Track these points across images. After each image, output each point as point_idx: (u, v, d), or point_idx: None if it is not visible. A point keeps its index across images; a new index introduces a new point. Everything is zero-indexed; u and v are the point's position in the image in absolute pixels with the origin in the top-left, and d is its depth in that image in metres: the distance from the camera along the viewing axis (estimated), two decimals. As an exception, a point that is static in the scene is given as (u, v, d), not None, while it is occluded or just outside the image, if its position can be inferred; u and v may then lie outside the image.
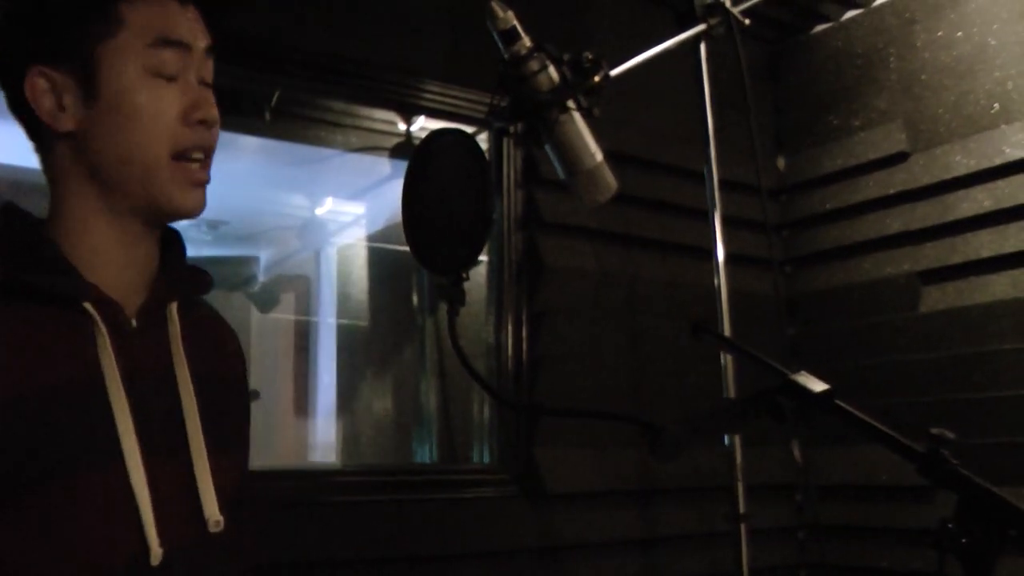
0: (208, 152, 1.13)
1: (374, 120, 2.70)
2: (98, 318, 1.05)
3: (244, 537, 1.26)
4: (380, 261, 3.18)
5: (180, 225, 1.22)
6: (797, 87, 3.18)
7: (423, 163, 1.48)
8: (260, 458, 3.05)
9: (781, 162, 3.18)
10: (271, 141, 2.82)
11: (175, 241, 1.22)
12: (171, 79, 1.09)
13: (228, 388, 1.23)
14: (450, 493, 2.40)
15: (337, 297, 3.42)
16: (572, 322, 2.58)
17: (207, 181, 1.14)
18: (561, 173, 1.68)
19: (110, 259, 1.10)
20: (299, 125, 2.63)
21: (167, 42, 1.08)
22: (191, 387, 1.11)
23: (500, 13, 1.59)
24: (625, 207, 2.67)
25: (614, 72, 1.76)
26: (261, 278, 3.84)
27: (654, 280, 2.77)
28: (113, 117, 1.07)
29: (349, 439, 3.22)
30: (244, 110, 2.41)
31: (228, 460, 1.18)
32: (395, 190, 2.91)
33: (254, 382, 3.29)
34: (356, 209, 3.40)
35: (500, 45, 1.61)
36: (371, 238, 3.26)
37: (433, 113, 2.54)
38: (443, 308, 2.79)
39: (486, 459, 2.54)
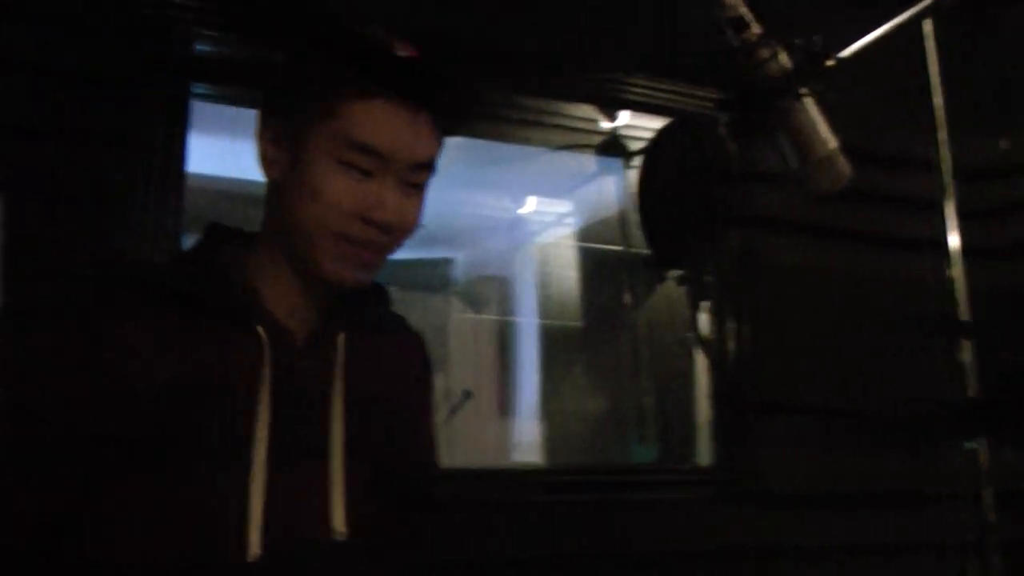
0: (381, 249, 1.18)
1: (574, 118, 2.68)
2: (266, 341, 1.15)
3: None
4: (586, 259, 3.15)
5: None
6: (1018, 63, 2.96)
7: (657, 158, 1.44)
8: (462, 458, 3.09)
9: (1004, 143, 2.98)
10: (469, 141, 2.83)
11: None
12: (366, 174, 1.14)
13: (389, 410, 1.29)
14: (665, 494, 2.36)
15: (539, 296, 3.41)
16: (791, 319, 2.50)
17: (373, 266, 1.20)
18: (793, 163, 1.61)
19: (288, 291, 1.21)
20: (501, 124, 2.64)
21: (363, 148, 1.12)
22: (341, 410, 1.19)
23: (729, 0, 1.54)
24: (841, 200, 2.56)
25: (843, 53, 1.67)
26: (458, 279, 3.88)
27: (873, 275, 2.65)
28: (300, 187, 1.14)
29: (554, 439, 3.21)
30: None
31: (378, 474, 1.25)
32: (601, 187, 2.92)
33: (456, 382, 3.33)
34: (560, 208, 3.38)
35: (728, 33, 1.55)
36: (576, 236, 3.24)
37: (639, 107, 2.49)
38: (649, 306, 2.77)
39: (706, 459, 2.49)
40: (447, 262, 3.91)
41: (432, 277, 3.76)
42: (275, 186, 1.20)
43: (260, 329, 1.15)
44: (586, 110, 2.67)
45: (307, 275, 1.19)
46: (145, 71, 1.92)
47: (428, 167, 1.19)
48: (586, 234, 3.17)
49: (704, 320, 2.41)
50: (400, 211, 1.16)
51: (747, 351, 2.45)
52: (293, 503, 1.14)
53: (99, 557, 1.10)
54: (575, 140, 2.74)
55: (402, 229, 1.18)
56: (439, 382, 3.41)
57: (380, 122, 1.13)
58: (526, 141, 2.73)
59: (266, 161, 1.19)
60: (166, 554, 1.09)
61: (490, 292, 3.76)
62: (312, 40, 1.21)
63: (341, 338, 1.22)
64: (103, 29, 1.88)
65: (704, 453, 2.52)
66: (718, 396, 2.48)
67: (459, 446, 3.23)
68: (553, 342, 3.31)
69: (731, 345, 2.44)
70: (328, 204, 1.13)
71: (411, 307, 3.42)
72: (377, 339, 1.30)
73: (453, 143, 2.87)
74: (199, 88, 2.06)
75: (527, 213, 3.54)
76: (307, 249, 1.16)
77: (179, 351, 1.12)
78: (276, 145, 1.17)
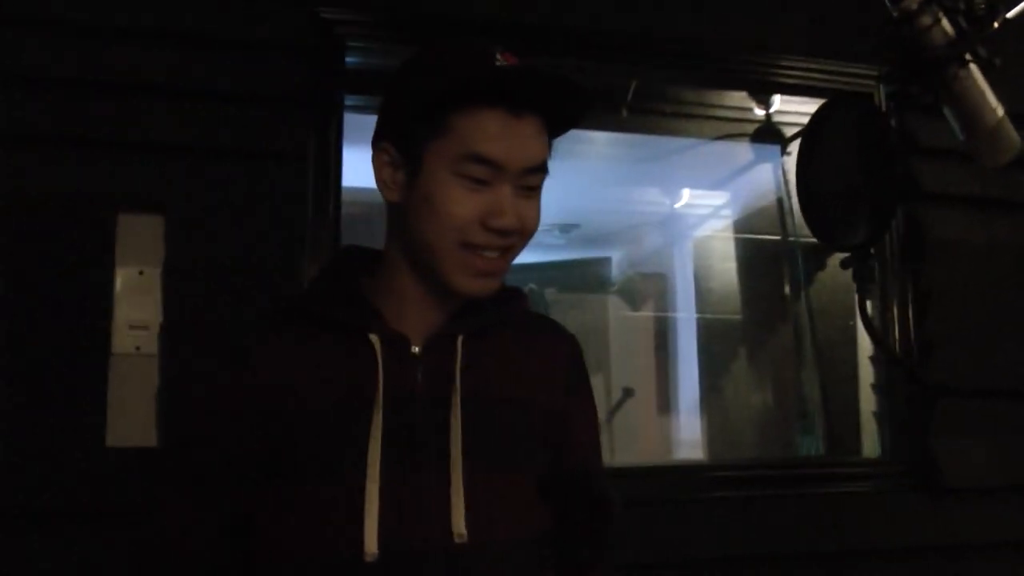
0: (505, 251, 1.22)
1: (726, 107, 2.64)
2: (378, 348, 1.21)
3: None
4: (743, 251, 3.09)
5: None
6: None
7: (816, 138, 1.41)
8: (624, 456, 3.07)
9: None
10: (621, 138, 2.82)
11: None
12: (482, 183, 1.18)
13: (518, 411, 1.29)
14: (836, 487, 2.29)
15: (696, 290, 3.37)
16: (962, 300, 2.38)
17: (498, 272, 1.24)
18: (959, 134, 1.55)
19: (412, 302, 1.26)
20: (653, 117, 2.62)
21: (476, 158, 1.16)
22: (459, 411, 1.21)
23: (887, -31, 1.49)
24: (1010, 170, 2.43)
25: (1011, 14, 1.59)
26: (616, 278, 3.87)
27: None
28: (420, 204, 1.20)
29: (717, 434, 3.16)
30: (602, 107, 2.43)
31: (505, 477, 1.26)
32: (757, 176, 2.86)
33: (616, 380, 3.32)
34: (715, 200, 3.33)
35: (888, 2, 1.50)
36: (733, 228, 3.18)
37: (794, 91, 2.43)
38: (810, 294, 2.70)
39: (877, 451, 2.40)
40: (604, 261, 3.91)
41: (590, 277, 3.77)
42: (396, 207, 1.25)
43: (373, 338, 1.22)
44: (739, 98, 2.63)
45: (432, 286, 1.25)
46: (299, 86, 1.97)
47: (540, 170, 1.22)
48: (743, 225, 3.11)
49: (870, 304, 2.33)
50: (518, 215, 1.20)
51: (917, 334, 2.36)
52: (413, 505, 1.18)
53: (265, 552, 1.22)
54: (729, 130, 2.70)
55: (522, 233, 1.22)
56: (599, 381, 3.40)
57: (490, 132, 1.17)
58: (679, 134, 2.71)
59: (385, 185, 1.24)
60: (300, 553, 1.18)
61: (648, 289, 3.74)
62: (416, 59, 1.26)
63: (460, 341, 1.26)
64: (256, 46, 1.95)
65: (872, 444, 2.43)
66: (887, 383, 2.39)
67: (621, 444, 3.22)
68: (713, 336, 3.25)
69: (899, 328, 2.36)
70: (448, 216, 1.18)
71: (570, 307, 3.44)
72: (510, 340, 1.33)
73: (605, 141, 2.88)
74: (353, 100, 2.11)
75: (682, 207, 3.51)
76: (433, 263, 1.21)
77: (308, 367, 1.21)
78: (393, 168, 1.23)
